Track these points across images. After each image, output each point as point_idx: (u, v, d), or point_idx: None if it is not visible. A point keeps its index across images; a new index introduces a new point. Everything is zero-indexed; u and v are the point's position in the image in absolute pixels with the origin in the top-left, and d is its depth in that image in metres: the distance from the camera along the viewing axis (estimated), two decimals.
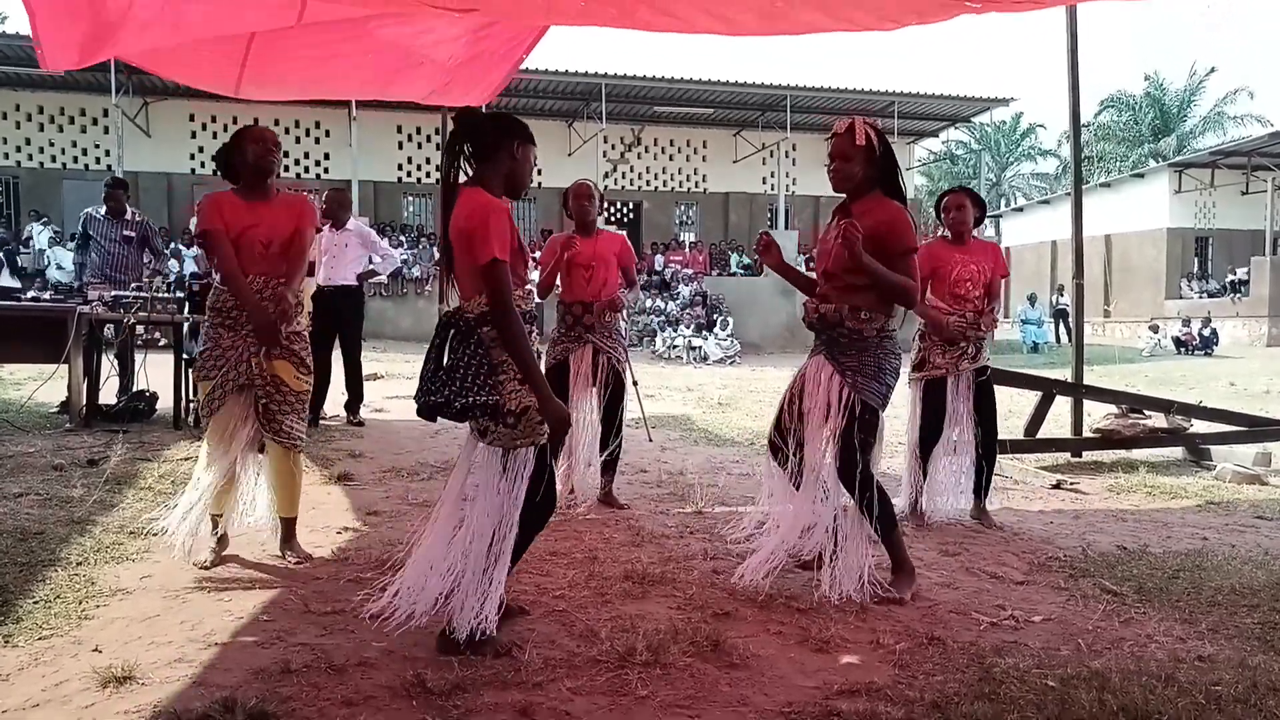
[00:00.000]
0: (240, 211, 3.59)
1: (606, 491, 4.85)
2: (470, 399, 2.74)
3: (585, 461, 4.84)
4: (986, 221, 29.82)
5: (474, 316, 2.79)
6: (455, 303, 2.90)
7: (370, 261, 7.70)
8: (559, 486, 3.96)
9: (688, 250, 24.01)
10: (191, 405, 6.55)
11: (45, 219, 19.49)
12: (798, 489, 3.51)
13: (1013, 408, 8.17)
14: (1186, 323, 22.81)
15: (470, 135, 2.87)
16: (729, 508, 4.82)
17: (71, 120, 21.83)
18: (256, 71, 4.99)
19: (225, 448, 3.57)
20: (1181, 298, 27.32)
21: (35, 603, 3.10)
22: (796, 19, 4.03)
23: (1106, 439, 6.53)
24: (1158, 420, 6.67)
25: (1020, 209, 37.25)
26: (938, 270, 4.59)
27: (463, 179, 2.88)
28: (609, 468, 4.87)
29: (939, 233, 4.84)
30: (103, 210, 7.54)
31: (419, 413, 2.87)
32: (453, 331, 2.83)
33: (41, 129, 21.75)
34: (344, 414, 7.52)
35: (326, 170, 23.01)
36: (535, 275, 4.77)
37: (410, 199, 24.52)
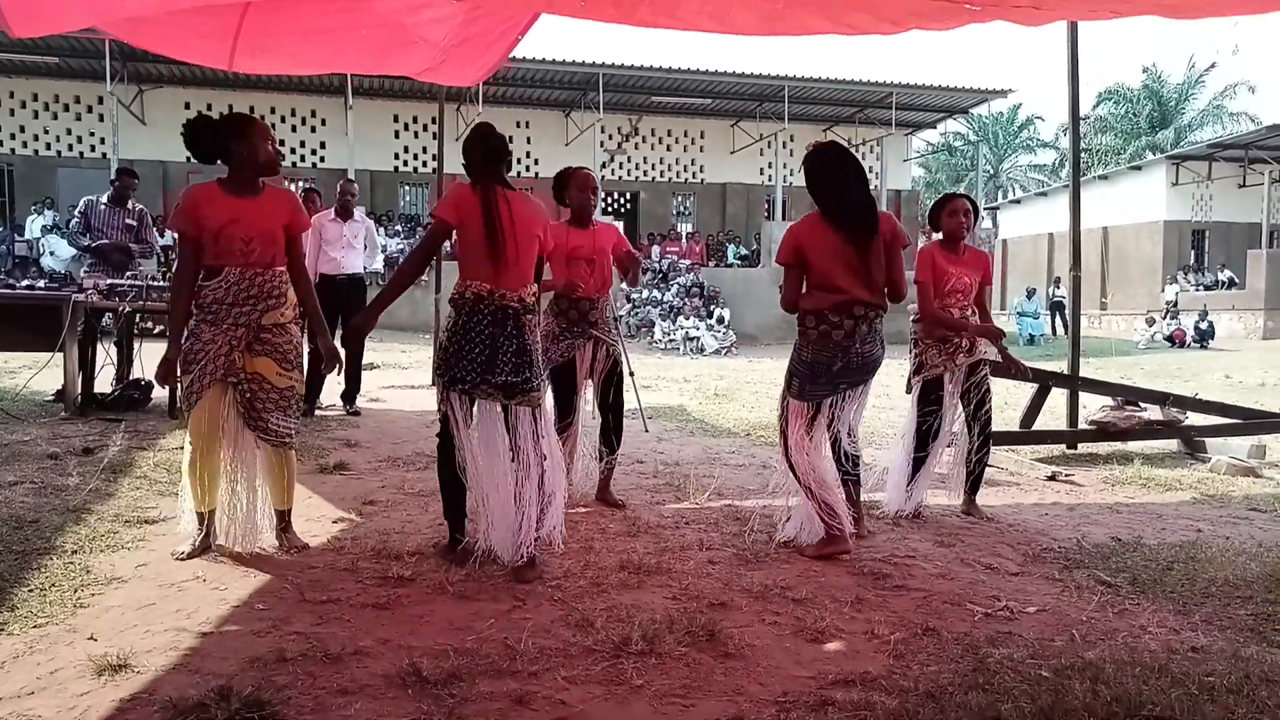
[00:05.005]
0: (222, 207, 3.50)
1: (604, 488, 4.73)
2: (540, 379, 3.54)
3: (586, 456, 4.74)
4: (984, 214, 29.81)
5: (516, 306, 3.46)
6: (492, 289, 3.44)
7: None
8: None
9: (685, 241, 23.96)
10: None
11: (38, 204, 19.35)
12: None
13: (1008, 400, 8.18)
14: (1176, 315, 22.80)
15: (502, 144, 3.54)
16: (725, 499, 4.83)
17: (66, 108, 21.71)
18: (251, 43, 4.94)
19: (207, 441, 3.54)
20: (1181, 290, 27.34)
21: (30, 591, 3.10)
22: (796, 21, 4.08)
23: (1102, 431, 6.55)
24: (1153, 413, 6.68)
25: (1017, 201, 37.23)
26: (935, 280, 4.59)
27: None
28: (608, 464, 4.73)
29: (933, 236, 4.84)
30: (104, 198, 7.50)
31: (506, 393, 3.45)
32: (521, 317, 3.46)
33: (36, 116, 21.63)
34: (340, 403, 7.53)
35: (322, 159, 22.92)
36: None
37: (407, 188, 24.44)
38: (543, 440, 3.50)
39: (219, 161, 3.60)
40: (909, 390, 4.76)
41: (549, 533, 3.53)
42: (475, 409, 3.50)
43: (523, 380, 3.43)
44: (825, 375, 3.86)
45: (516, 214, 3.45)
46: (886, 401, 8.68)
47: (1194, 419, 6.84)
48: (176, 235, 3.57)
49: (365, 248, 7.74)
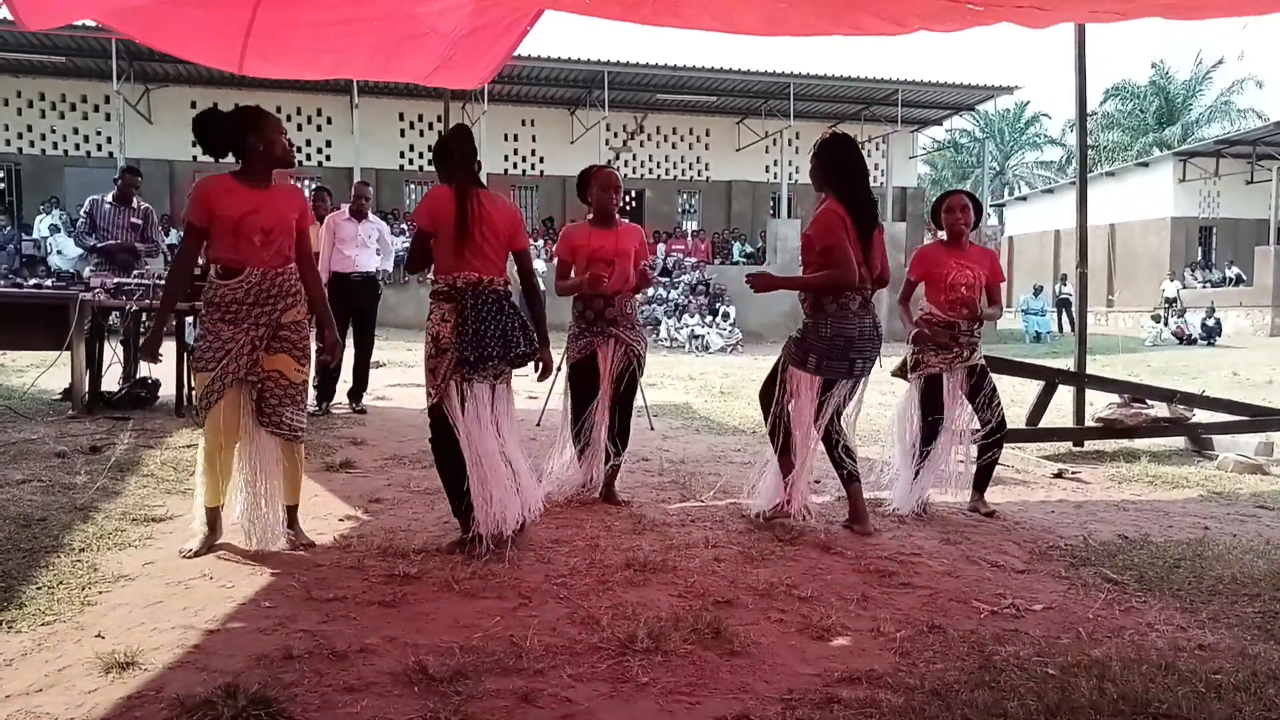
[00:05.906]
0: (240, 198, 3.52)
1: (609, 487, 4.71)
2: (533, 347, 3.76)
3: (602, 455, 4.70)
4: (989, 211, 29.67)
5: (503, 290, 3.73)
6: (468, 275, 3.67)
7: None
8: (582, 476, 4.74)
9: (690, 239, 23.94)
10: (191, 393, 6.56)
11: (46, 204, 19.40)
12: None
13: (1015, 397, 8.16)
14: (1182, 314, 22.68)
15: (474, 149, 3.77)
16: (730, 497, 4.83)
17: (73, 107, 21.76)
18: (261, 43, 4.92)
19: (226, 437, 3.57)
20: (1185, 287, 27.26)
21: (38, 589, 3.11)
22: (799, 21, 4.09)
23: (1109, 428, 6.53)
24: (1160, 410, 6.66)
25: (1024, 198, 37.14)
26: (932, 274, 4.68)
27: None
28: (613, 464, 4.71)
29: (936, 235, 4.91)
30: (109, 197, 7.52)
31: (516, 363, 3.77)
32: (497, 298, 3.68)
33: (43, 116, 21.68)
34: (346, 401, 7.54)
35: (329, 158, 22.94)
36: (539, 264, 4.72)
37: (412, 186, 24.44)
38: (513, 416, 3.87)
39: (225, 155, 3.60)
40: (892, 374, 4.87)
41: (533, 505, 3.80)
42: (470, 394, 3.69)
43: (533, 350, 3.76)
44: (843, 348, 4.07)
45: (487, 213, 3.68)
46: (893, 399, 8.66)
47: (1201, 416, 6.81)
48: (188, 231, 3.56)
49: (378, 250, 7.77)
